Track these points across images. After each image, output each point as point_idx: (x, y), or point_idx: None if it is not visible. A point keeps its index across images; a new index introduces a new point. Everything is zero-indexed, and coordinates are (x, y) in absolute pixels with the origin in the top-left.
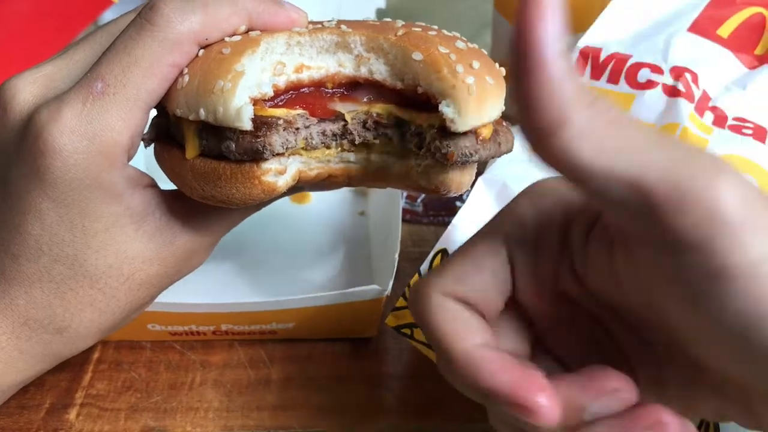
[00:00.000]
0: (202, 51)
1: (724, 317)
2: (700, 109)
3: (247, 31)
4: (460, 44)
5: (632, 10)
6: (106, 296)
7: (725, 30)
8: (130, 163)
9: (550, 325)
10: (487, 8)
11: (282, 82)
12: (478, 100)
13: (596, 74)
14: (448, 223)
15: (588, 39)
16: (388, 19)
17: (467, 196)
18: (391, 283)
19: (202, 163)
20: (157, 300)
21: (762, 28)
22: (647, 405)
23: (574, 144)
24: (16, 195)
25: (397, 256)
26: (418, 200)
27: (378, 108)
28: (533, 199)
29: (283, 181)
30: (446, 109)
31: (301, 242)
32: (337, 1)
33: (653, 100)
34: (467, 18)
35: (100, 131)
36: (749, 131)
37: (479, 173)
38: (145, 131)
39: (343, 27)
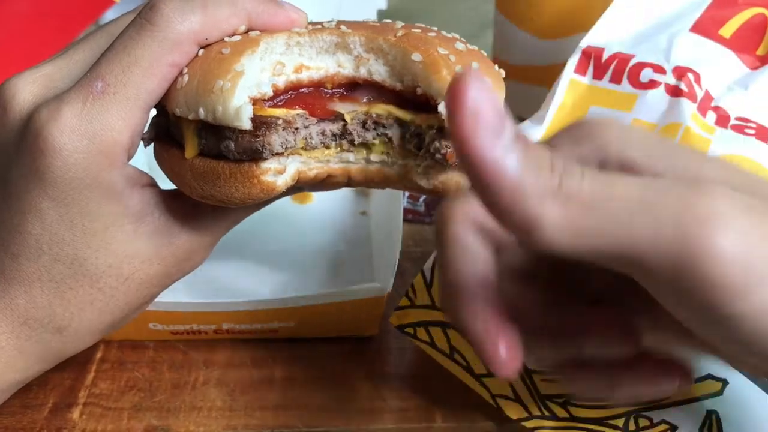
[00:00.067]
0: (201, 51)
1: (731, 338)
2: (703, 109)
3: (246, 32)
4: (460, 45)
5: (634, 10)
6: (106, 296)
7: (727, 30)
8: (132, 162)
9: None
10: (488, 8)
11: (281, 82)
12: None
13: (598, 74)
14: None
15: (590, 39)
16: (388, 21)
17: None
18: (392, 281)
19: (202, 162)
20: (157, 299)
21: (764, 29)
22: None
23: (554, 238)
24: (16, 195)
25: (398, 255)
26: (420, 200)
27: (377, 108)
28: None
29: (283, 181)
30: (445, 111)
31: (303, 242)
32: (337, 2)
33: (656, 100)
34: (468, 18)
35: (100, 130)
36: (752, 131)
37: None
38: (145, 131)
39: (343, 28)
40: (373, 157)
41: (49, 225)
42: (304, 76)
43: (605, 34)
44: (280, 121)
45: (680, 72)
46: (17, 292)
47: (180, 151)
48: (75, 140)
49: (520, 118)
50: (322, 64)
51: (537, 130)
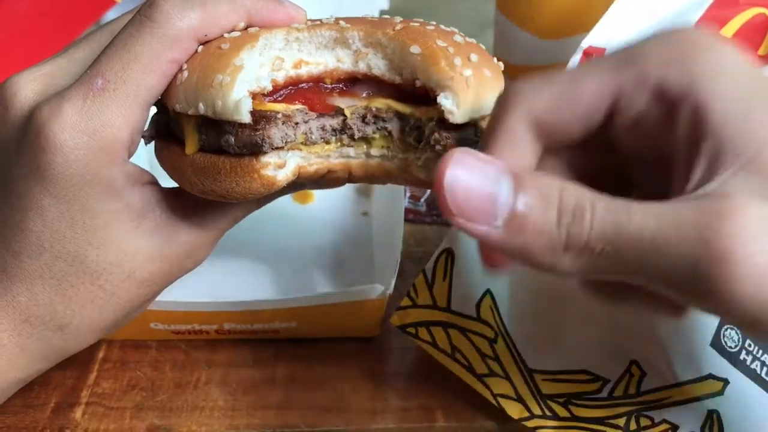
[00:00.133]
0: (201, 47)
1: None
2: None
3: (245, 28)
4: (458, 38)
5: (636, 10)
6: (107, 293)
7: (729, 30)
8: (133, 160)
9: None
10: (488, 8)
11: (281, 77)
12: (476, 92)
13: None
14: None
15: (592, 39)
16: (387, 16)
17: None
18: (393, 282)
19: (202, 157)
20: (159, 298)
21: (765, 29)
22: None
23: (572, 274)
24: (17, 192)
25: (399, 255)
26: (421, 200)
27: (377, 102)
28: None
29: (283, 175)
30: (444, 101)
31: (304, 242)
32: (337, 2)
33: None
34: (468, 18)
35: (100, 127)
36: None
37: None
38: (146, 128)
39: (342, 23)
40: (374, 151)
41: (50, 222)
42: (304, 71)
43: (607, 35)
44: (279, 116)
45: None
46: (19, 290)
47: (180, 148)
48: (75, 137)
49: None
50: (321, 59)
51: None
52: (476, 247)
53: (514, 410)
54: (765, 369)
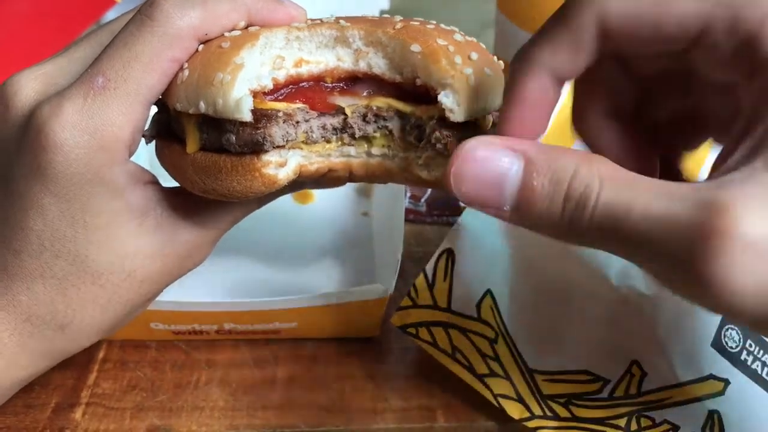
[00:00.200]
0: (201, 46)
1: None
2: None
3: (246, 27)
4: (458, 37)
5: None
6: (108, 292)
7: None
8: (134, 160)
9: None
10: (489, 8)
11: (281, 76)
12: (476, 90)
13: None
14: (452, 222)
15: None
16: (387, 15)
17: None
18: (394, 282)
19: (203, 156)
20: (159, 299)
21: None
22: None
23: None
24: (18, 191)
25: (400, 255)
26: (422, 200)
27: (378, 101)
28: None
29: (284, 174)
30: (445, 99)
31: (304, 242)
32: (338, 2)
33: None
34: (468, 18)
35: (101, 126)
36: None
37: None
38: (146, 128)
39: (342, 22)
40: (374, 150)
41: (51, 221)
42: (304, 70)
43: None
44: (280, 114)
45: None
46: (19, 289)
47: (181, 147)
48: (76, 136)
49: None
50: (322, 58)
51: None
52: (477, 247)
53: (514, 410)
54: (766, 369)
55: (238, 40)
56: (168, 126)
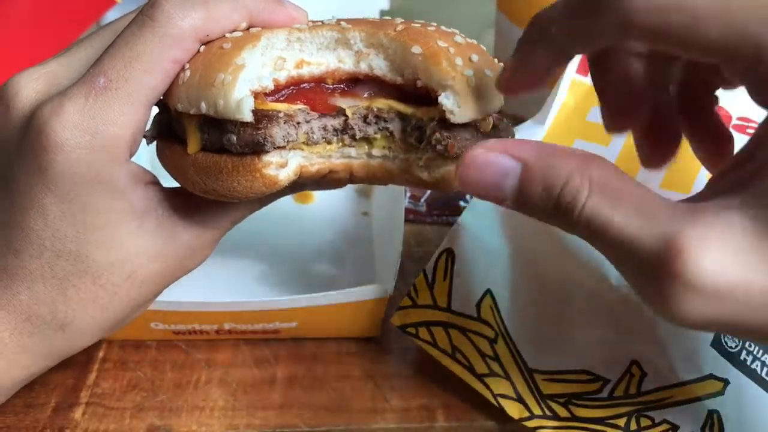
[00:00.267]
0: (203, 47)
1: None
2: None
3: (247, 28)
4: (459, 39)
5: None
6: (108, 293)
7: None
8: (135, 161)
9: None
10: (489, 8)
11: (282, 77)
12: (477, 92)
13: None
14: (452, 222)
15: None
16: (388, 17)
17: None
18: (393, 282)
19: (204, 157)
20: (159, 298)
21: None
22: None
23: None
24: (19, 191)
25: (400, 255)
26: (422, 200)
27: (378, 103)
28: None
29: (285, 175)
30: (446, 101)
31: (304, 242)
32: (339, 2)
33: None
34: (468, 18)
35: (102, 126)
36: (753, 131)
37: None
38: (148, 128)
39: (343, 24)
40: (375, 151)
41: (52, 221)
42: (305, 71)
43: None
44: (281, 115)
45: None
46: (20, 288)
47: (182, 147)
48: (77, 136)
49: (521, 119)
50: (323, 59)
51: (538, 131)
52: (476, 247)
53: (514, 410)
54: (765, 369)
55: (239, 41)
56: (169, 126)
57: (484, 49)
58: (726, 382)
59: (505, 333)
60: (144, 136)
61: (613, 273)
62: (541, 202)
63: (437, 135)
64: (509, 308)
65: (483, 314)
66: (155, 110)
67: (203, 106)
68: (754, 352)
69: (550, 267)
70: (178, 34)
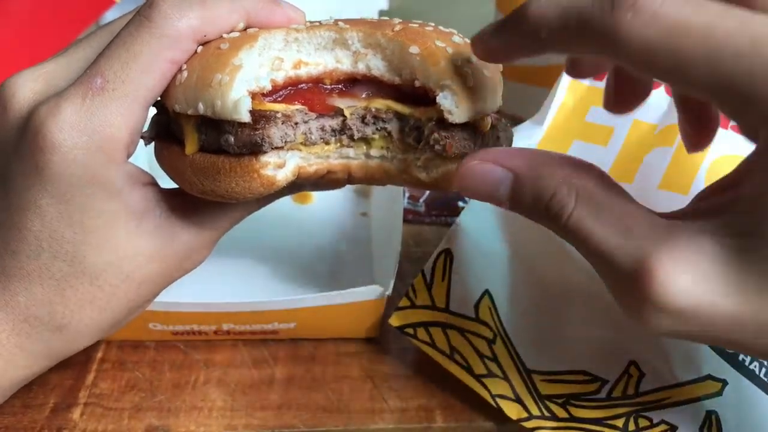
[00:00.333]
0: (200, 48)
1: None
2: None
3: (245, 29)
4: (457, 39)
5: None
6: (106, 294)
7: None
8: (132, 161)
9: None
10: (488, 9)
11: (280, 77)
12: (475, 92)
13: (599, 75)
14: (451, 223)
15: None
16: (386, 18)
17: None
18: (392, 283)
19: (202, 158)
20: (158, 299)
21: None
22: None
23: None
24: (16, 192)
25: (398, 256)
26: (420, 200)
27: (376, 103)
28: None
29: (283, 175)
30: (444, 101)
31: (303, 242)
32: (338, 3)
33: (656, 100)
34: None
35: (99, 127)
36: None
37: None
38: (145, 129)
39: (341, 24)
40: (373, 152)
41: (49, 222)
42: (303, 72)
43: None
44: (279, 115)
45: None
46: (17, 289)
47: (180, 148)
48: (74, 136)
49: (520, 119)
50: (321, 60)
51: (537, 131)
52: (475, 247)
53: (512, 411)
54: (764, 370)
55: (236, 42)
56: (167, 127)
57: None
58: (724, 382)
59: (503, 334)
60: (142, 137)
61: None
62: (532, 209)
63: (435, 135)
64: (508, 309)
65: (481, 315)
66: (153, 111)
67: (201, 106)
68: None
69: (549, 268)
70: (175, 34)
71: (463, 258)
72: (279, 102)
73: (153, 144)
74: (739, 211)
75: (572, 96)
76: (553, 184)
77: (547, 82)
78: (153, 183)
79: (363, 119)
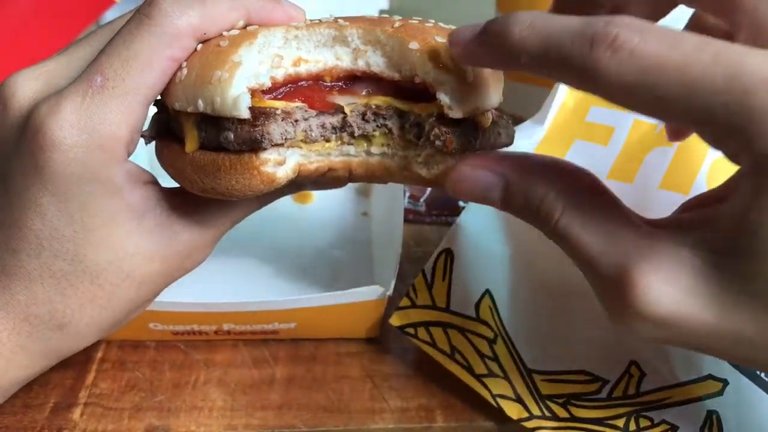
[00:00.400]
0: (200, 45)
1: None
2: None
3: (244, 27)
4: None
5: None
6: (107, 293)
7: None
8: (133, 160)
9: None
10: (488, 8)
11: (280, 74)
12: (475, 87)
13: None
14: (451, 222)
15: None
16: (386, 15)
17: None
18: (393, 283)
19: (202, 155)
20: (158, 299)
21: None
22: None
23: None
24: (16, 190)
25: (399, 256)
26: (421, 200)
27: (377, 100)
28: None
29: (283, 173)
30: (444, 96)
31: (304, 242)
32: (338, 2)
33: None
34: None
35: (99, 125)
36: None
37: None
38: (146, 128)
39: (340, 21)
40: (374, 149)
41: (49, 220)
42: (303, 69)
43: None
44: (279, 112)
45: None
46: (18, 288)
47: (180, 146)
48: (74, 135)
49: (520, 119)
50: (321, 57)
51: (538, 131)
52: (476, 247)
53: (513, 411)
54: None
55: (236, 39)
56: (167, 126)
57: None
58: (725, 382)
59: (504, 333)
60: (142, 136)
61: None
62: (522, 213)
63: (436, 130)
64: (508, 309)
65: (482, 314)
66: (153, 110)
67: (200, 103)
68: None
69: (550, 267)
70: (175, 32)
71: (463, 258)
72: (279, 99)
73: (154, 142)
74: (720, 228)
75: (573, 96)
76: (541, 192)
77: (547, 81)
78: (154, 182)
79: (363, 116)
